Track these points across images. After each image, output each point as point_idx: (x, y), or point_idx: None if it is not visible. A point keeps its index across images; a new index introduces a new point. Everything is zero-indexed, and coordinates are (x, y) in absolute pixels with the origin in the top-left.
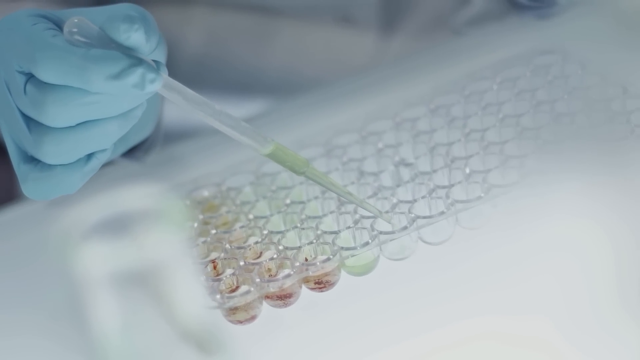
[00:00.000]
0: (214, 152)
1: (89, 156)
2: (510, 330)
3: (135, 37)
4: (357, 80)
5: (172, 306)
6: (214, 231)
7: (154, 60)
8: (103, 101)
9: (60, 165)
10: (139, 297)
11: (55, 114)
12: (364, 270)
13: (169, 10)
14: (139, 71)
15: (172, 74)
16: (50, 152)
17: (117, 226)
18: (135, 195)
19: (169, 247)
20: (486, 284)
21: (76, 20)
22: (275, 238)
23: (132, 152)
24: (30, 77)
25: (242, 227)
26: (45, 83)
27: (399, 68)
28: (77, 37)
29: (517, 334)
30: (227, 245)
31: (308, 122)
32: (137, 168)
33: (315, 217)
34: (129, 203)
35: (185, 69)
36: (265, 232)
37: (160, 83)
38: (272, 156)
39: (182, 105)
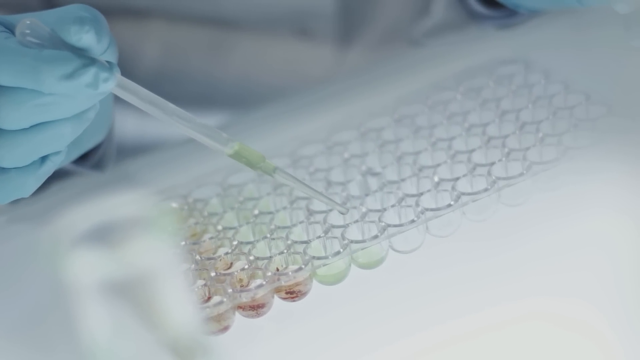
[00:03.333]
0: (178, 165)
1: (43, 159)
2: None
3: (86, 38)
4: (318, 91)
5: (160, 314)
6: (182, 243)
7: (106, 61)
8: (56, 102)
9: (14, 168)
10: (127, 305)
11: (8, 116)
12: (336, 279)
13: (126, 24)
14: (92, 70)
15: None
16: (4, 154)
17: (106, 234)
18: (124, 203)
19: (157, 254)
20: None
21: (28, 22)
22: (246, 248)
23: (86, 159)
24: None
25: (211, 238)
26: None
27: (361, 79)
28: (29, 38)
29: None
30: (197, 257)
31: (271, 133)
32: (102, 177)
33: (284, 227)
34: (118, 211)
35: (142, 82)
36: (235, 242)
37: (114, 82)
38: (235, 156)
39: (137, 105)
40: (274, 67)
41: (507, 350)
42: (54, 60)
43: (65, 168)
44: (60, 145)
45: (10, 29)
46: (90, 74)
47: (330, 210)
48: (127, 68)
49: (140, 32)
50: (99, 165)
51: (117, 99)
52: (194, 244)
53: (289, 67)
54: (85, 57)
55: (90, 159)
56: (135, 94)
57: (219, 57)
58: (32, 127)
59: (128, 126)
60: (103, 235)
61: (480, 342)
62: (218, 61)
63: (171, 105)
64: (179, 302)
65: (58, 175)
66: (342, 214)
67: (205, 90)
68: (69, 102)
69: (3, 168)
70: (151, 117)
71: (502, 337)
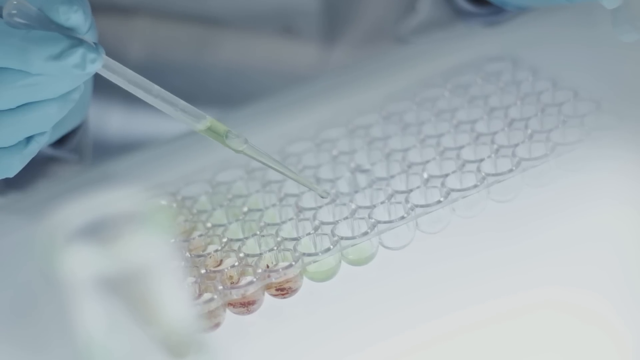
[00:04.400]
0: (166, 162)
1: (29, 139)
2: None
3: (74, 18)
4: (306, 89)
5: (153, 310)
6: (172, 240)
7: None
8: (43, 83)
9: (0, 148)
10: (121, 301)
11: None
12: (326, 276)
13: (111, 21)
14: (80, 51)
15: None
16: None
17: (102, 229)
18: (120, 198)
19: (151, 250)
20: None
21: (15, 2)
22: (235, 246)
23: (63, 143)
24: None
25: (200, 235)
26: None
27: (348, 76)
28: (16, 19)
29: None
30: (187, 254)
31: (259, 130)
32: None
33: (274, 225)
34: (114, 206)
35: None
36: (224, 240)
37: (100, 63)
38: (209, 132)
39: (123, 85)
40: (259, 65)
41: (498, 347)
42: (42, 41)
43: (44, 152)
44: (46, 125)
45: None
46: (77, 54)
47: (320, 207)
48: None
49: (126, 30)
50: (76, 150)
51: (99, 95)
52: (184, 241)
53: (274, 64)
54: (73, 38)
55: (68, 143)
56: (121, 74)
57: (204, 55)
58: (18, 107)
59: (112, 124)
60: (96, 231)
61: (470, 338)
62: (203, 59)
63: (156, 87)
64: (173, 298)
65: (38, 162)
66: (323, 197)
67: (191, 88)
68: (55, 82)
69: None
70: (135, 115)
71: (491, 333)
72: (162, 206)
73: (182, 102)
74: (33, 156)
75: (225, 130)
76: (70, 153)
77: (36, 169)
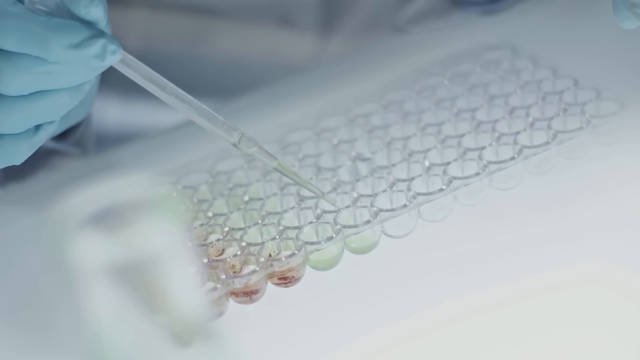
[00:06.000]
0: (165, 152)
1: (37, 127)
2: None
3: (95, 11)
4: (304, 78)
5: (162, 297)
6: (178, 228)
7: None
8: (59, 71)
9: (9, 134)
10: (130, 288)
11: (10, 81)
12: (329, 264)
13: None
14: (101, 42)
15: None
16: (2, 120)
17: (108, 217)
18: (124, 186)
19: (164, 236)
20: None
21: None
22: (237, 235)
23: (66, 137)
24: None
25: (201, 225)
26: (3, 50)
27: (347, 65)
28: (38, 6)
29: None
30: (189, 243)
31: (258, 120)
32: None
33: (276, 214)
34: (119, 194)
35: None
36: (226, 229)
37: (120, 55)
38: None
39: (138, 81)
40: (255, 55)
41: (498, 334)
42: (63, 29)
43: (46, 145)
44: (56, 115)
45: None
46: (98, 45)
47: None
48: None
49: (122, 20)
50: (79, 144)
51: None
52: (186, 230)
53: (271, 54)
54: (94, 28)
55: (71, 136)
56: (137, 70)
57: (200, 45)
58: (31, 94)
59: (109, 114)
60: (103, 220)
61: (472, 325)
62: (200, 49)
63: (171, 85)
64: (180, 285)
65: (41, 155)
66: (331, 204)
67: (188, 79)
68: (71, 72)
69: None
70: (132, 106)
71: (491, 321)
72: (171, 193)
73: (197, 102)
74: (40, 144)
75: (239, 135)
76: (72, 146)
77: (38, 162)
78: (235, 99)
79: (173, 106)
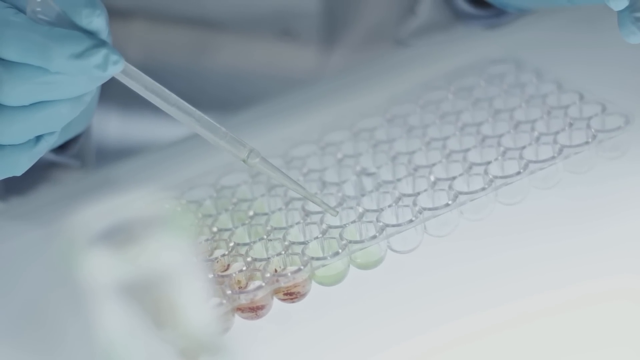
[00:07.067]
0: (168, 166)
1: (38, 138)
2: None
3: (97, 22)
4: (307, 92)
5: (172, 313)
6: (187, 243)
7: None
8: (60, 82)
9: (9, 145)
10: (138, 304)
11: (11, 92)
12: (335, 280)
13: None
14: (103, 52)
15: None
16: (2, 130)
17: (116, 233)
18: (135, 200)
19: (171, 252)
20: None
21: (39, 0)
22: (242, 250)
23: (65, 149)
24: None
25: (206, 240)
26: (4, 60)
27: (350, 78)
28: (40, 16)
29: None
30: (194, 259)
31: (262, 134)
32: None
33: (281, 229)
34: (126, 210)
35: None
36: (231, 244)
37: (122, 65)
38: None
39: (140, 92)
40: (257, 68)
41: (505, 352)
42: (65, 39)
43: (46, 158)
44: (57, 125)
45: (19, 9)
46: (100, 54)
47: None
48: None
49: (122, 33)
50: (79, 156)
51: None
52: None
53: (272, 68)
54: (96, 38)
55: (71, 149)
56: (139, 81)
57: (201, 58)
58: (32, 105)
59: (111, 128)
60: (111, 236)
61: (479, 343)
62: (201, 63)
63: (173, 96)
64: (189, 301)
65: (41, 167)
66: (333, 216)
67: (189, 92)
68: (72, 82)
69: None
70: (134, 120)
71: (499, 338)
72: (176, 208)
73: (199, 113)
74: (41, 155)
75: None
76: (72, 159)
77: (38, 174)
78: (238, 112)
79: (175, 117)
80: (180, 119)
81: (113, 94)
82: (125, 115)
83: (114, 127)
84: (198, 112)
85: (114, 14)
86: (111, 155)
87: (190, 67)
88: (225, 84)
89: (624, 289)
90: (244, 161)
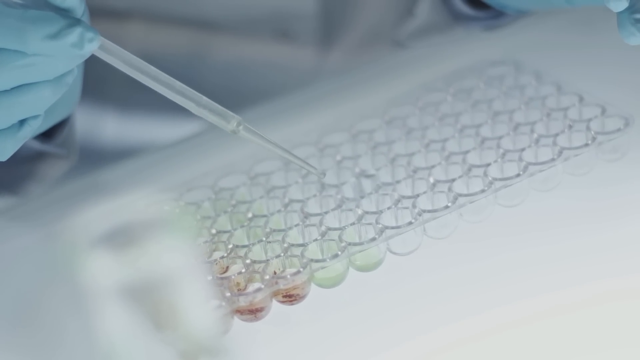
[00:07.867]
0: (166, 168)
1: (22, 122)
2: None
3: (70, 0)
4: (306, 93)
5: (174, 315)
6: (190, 245)
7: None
8: (39, 63)
9: None
10: (141, 306)
11: None
12: (334, 282)
13: (105, 25)
14: (78, 30)
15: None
16: None
17: (118, 234)
18: (133, 203)
19: (171, 254)
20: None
21: None
22: (241, 252)
23: (51, 138)
24: None
25: (205, 242)
26: None
27: (348, 80)
28: None
29: None
30: (192, 261)
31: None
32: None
33: (280, 230)
34: (133, 211)
35: (122, 83)
36: (230, 246)
37: (98, 42)
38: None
39: (120, 67)
40: (255, 69)
41: (503, 355)
42: (39, 20)
43: (32, 148)
44: (40, 108)
45: None
46: (75, 33)
47: (326, 212)
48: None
49: (120, 34)
50: (64, 145)
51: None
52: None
53: (270, 69)
54: (69, 17)
55: (56, 137)
56: (118, 56)
57: (199, 59)
58: (13, 89)
59: (107, 131)
60: (112, 238)
61: (478, 345)
62: (198, 63)
63: (153, 68)
64: (189, 303)
65: (27, 159)
66: (320, 179)
67: None
68: (51, 63)
69: None
70: (131, 122)
71: (497, 341)
72: (174, 210)
73: (179, 84)
74: (26, 140)
75: (223, 110)
76: (58, 147)
77: (26, 168)
78: (236, 113)
79: (157, 90)
80: (161, 92)
81: (110, 96)
82: (122, 117)
83: (111, 129)
84: (179, 83)
85: (112, 15)
86: (109, 157)
87: (188, 68)
88: (222, 86)
89: (624, 290)
90: (232, 132)
